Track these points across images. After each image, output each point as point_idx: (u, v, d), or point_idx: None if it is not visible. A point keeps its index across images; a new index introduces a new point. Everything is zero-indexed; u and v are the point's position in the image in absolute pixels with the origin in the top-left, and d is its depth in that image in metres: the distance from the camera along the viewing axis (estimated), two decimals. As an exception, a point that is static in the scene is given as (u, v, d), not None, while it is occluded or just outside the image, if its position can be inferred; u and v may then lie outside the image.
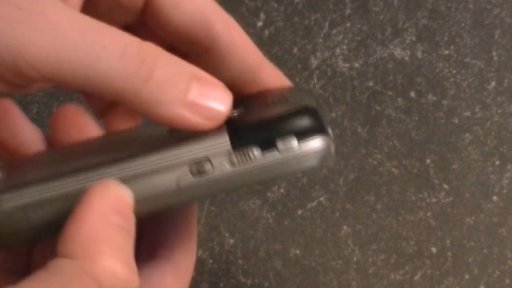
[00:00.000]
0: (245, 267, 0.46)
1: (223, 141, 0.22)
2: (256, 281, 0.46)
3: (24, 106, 0.49)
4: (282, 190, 0.47)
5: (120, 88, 0.21)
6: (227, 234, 0.47)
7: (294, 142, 0.22)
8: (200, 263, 0.46)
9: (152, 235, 0.26)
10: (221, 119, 0.22)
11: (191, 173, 0.22)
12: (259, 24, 0.50)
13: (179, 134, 0.23)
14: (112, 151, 0.24)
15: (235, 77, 0.26)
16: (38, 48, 0.20)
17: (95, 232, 0.20)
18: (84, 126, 0.27)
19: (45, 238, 0.23)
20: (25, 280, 0.19)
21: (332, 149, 0.23)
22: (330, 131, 0.23)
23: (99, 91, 0.21)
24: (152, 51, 0.22)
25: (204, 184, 0.22)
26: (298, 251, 0.46)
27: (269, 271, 0.46)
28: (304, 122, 0.22)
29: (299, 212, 0.47)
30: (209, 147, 0.22)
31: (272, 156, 0.22)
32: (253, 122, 0.23)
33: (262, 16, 0.50)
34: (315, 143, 0.22)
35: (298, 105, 0.23)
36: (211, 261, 0.46)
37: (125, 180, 0.22)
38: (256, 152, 0.22)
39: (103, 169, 0.22)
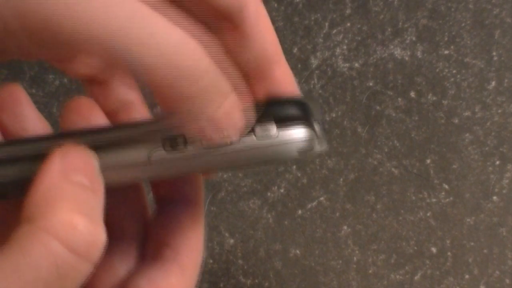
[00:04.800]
0: (245, 267, 0.46)
1: None
2: (256, 281, 0.46)
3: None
4: (282, 190, 0.47)
5: (158, 83, 0.19)
6: (227, 234, 0.47)
7: (273, 129, 0.21)
8: (200, 263, 0.46)
9: (157, 236, 0.26)
10: (227, 139, 0.21)
11: (164, 148, 0.22)
12: (259, 24, 0.50)
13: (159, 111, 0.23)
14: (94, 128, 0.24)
15: (252, 65, 0.25)
16: (74, 13, 0.18)
17: (52, 191, 0.20)
18: (94, 120, 0.26)
19: (15, 195, 0.23)
20: None
21: (316, 145, 0.22)
22: (317, 127, 0.22)
23: (133, 75, 0.20)
24: (203, 55, 0.20)
25: (176, 161, 0.22)
26: (298, 251, 0.46)
27: (269, 271, 0.46)
28: (287, 110, 0.22)
29: (299, 212, 0.47)
30: None
31: (248, 140, 0.21)
32: None
33: (262, 16, 0.50)
34: (295, 134, 0.21)
35: (287, 96, 0.22)
36: (211, 261, 0.46)
37: (95, 147, 0.22)
38: None
39: (74, 137, 0.22)
